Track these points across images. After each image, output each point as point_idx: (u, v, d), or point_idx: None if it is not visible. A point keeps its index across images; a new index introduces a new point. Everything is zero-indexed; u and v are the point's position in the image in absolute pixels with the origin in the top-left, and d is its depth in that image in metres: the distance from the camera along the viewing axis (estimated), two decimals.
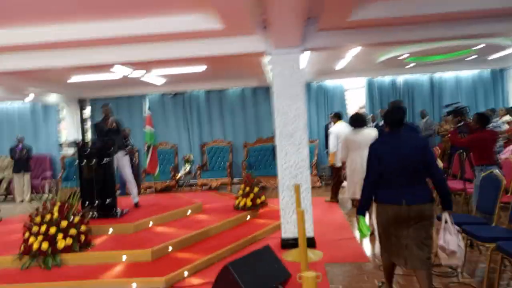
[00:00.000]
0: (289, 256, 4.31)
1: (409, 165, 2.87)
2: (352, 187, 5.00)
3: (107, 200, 5.06)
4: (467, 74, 9.78)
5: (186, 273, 3.82)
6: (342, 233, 5.20)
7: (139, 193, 9.23)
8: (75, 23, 4.21)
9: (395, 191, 2.90)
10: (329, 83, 10.09)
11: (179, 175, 9.58)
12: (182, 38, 4.60)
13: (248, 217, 5.67)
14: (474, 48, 6.92)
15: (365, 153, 3.17)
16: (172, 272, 3.71)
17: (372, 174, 2.98)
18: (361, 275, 3.77)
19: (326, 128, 8.98)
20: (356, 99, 10.42)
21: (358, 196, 3.91)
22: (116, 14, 4.05)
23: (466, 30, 4.50)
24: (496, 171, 3.97)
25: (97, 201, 5.04)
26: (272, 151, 8.76)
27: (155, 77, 8.36)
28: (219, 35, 4.47)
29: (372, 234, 4.82)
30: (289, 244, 4.61)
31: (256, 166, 9.43)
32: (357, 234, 5.15)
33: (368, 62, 8.27)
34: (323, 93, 10.11)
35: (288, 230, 4.68)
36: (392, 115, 3.03)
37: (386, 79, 9.93)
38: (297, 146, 4.62)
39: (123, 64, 6.21)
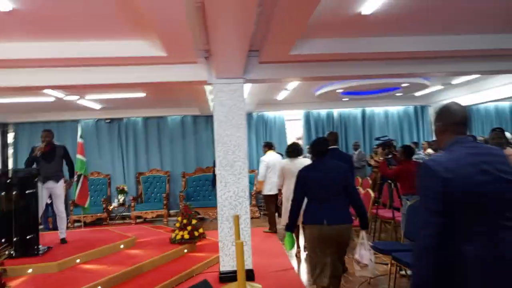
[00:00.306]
0: None
1: (330, 188, 3.26)
2: (286, 214, 5.10)
3: (28, 236, 4.57)
4: (394, 109, 10.60)
5: None
6: (280, 264, 5.17)
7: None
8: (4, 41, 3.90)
9: (318, 212, 3.24)
10: (270, 113, 10.32)
11: (111, 207, 9.01)
12: (122, 64, 4.45)
13: (185, 250, 5.44)
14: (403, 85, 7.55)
15: None
16: None
17: (297, 195, 3.37)
18: None
19: None
20: (294, 130, 10.76)
21: None
22: (47, 35, 3.83)
23: (393, 69, 4.92)
24: None
25: (15, 238, 4.53)
26: (212, 181, 8.64)
27: (90, 101, 7.96)
28: (161, 62, 4.40)
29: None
30: (228, 277, 4.48)
31: (195, 197, 9.21)
32: (295, 264, 5.19)
33: (307, 95, 8.64)
34: (264, 124, 10.30)
35: (227, 263, 4.56)
36: (316, 147, 3.49)
37: (322, 111, 10.42)
38: (237, 176, 4.59)
39: (55, 88, 5.84)
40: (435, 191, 1.68)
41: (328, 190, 3.27)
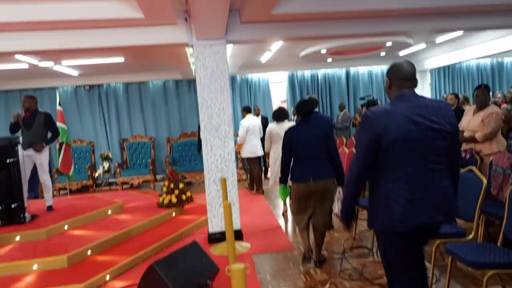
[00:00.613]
0: (216, 250, 4.28)
1: (314, 147, 3.55)
2: (274, 175, 5.43)
3: (13, 205, 4.53)
4: (378, 69, 10.58)
5: (108, 277, 3.58)
6: (268, 224, 5.31)
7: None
8: None
9: (304, 170, 3.56)
10: (254, 76, 10.17)
11: (97, 174, 8.96)
12: (97, 26, 4.25)
13: (174, 214, 5.51)
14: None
15: None
16: (92, 278, 3.45)
17: (285, 155, 3.69)
18: (287, 263, 3.88)
19: None
20: (279, 92, 10.69)
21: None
22: None
23: (378, 28, 4.84)
24: None
25: (0, 207, 4.49)
26: (198, 145, 8.64)
27: (66, 68, 7.69)
28: (138, 24, 4.22)
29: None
30: (216, 238, 4.58)
31: (181, 162, 9.22)
32: (282, 223, 5.34)
33: (291, 56, 8.51)
34: (248, 87, 10.17)
35: (215, 224, 4.65)
36: (303, 107, 3.70)
37: (307, 73, 10.32)
38: (223, 140, 4.58)
39: (28, 53, 5.58)
40: (369, 136, 2.01)
41: (312, 149, 3.56)
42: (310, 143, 3.55)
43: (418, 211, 1.96)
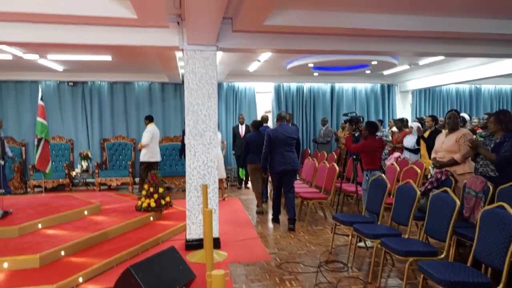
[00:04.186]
0: (193, 257, 4.25)
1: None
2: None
3: None
4: (362, 87, 10.81)
5: (80, 279, 3.50)
6: (246, 233, 5.31)
7: (25, 191, 8.28)
8: None
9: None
10: (241, 84, 10.22)
11: (74, 173, 8.78)
12: (88, 23, 4.22)
13: (152, 218, 5.45)
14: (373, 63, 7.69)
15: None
16: (64, 279, 3.37)
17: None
18: (263, 274, 3.89)
19: (234, 130, 9.15)
20: (265, 103, 10.76)
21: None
22: None
23: (364, 46, 4.99)
24: (383, 176, 4.45)
25: None
26: (180, 150, 8.59)
27: (51, 62, 7.56)
28: (130, 24, 4.22)
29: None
30: (194, 245, 4.56)
31: (161, 166, 9.13)
32: (259, 233, 5.35)
33: (278, 68, 8.61)
34: (234, 94, 10.20)
35: (194, 231, 4.62)
36: (257, 123, 6.81)
37: (293, 85, 10.45)
38: (207, 146, 4.59)
39: (14, 44, 5.48)
40: (267, 140, 5.50)
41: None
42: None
43: (282, 164, 5.35)
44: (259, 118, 8.48)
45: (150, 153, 7.64)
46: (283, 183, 5.63)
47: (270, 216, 6.19)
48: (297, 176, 6.75)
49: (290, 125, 7.04)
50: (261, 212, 6.49)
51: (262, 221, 6.10)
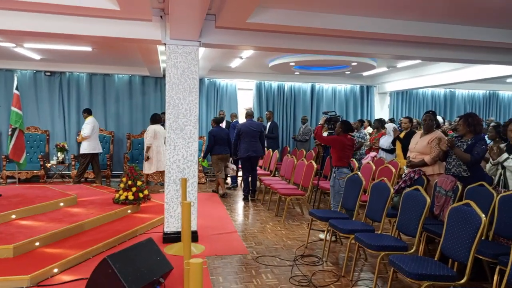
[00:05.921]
0: (171, 250, 4.27)
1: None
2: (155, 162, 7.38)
3: None
4: (341, 87, 11.01)
5: (56, 270, 3.47)
6: (223, 227, 5.36)
7: None
8: None
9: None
10: (222, 81, 10.25)
11: (50, 164, 8.60)
12: (69, 13, 4.16)
13: (129, 211, 5.42)
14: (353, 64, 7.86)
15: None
16: (38, 270, 3.34)
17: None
18: (240, 266, 3.95)
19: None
20: (246, 100, 10.81)
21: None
22: None
23: (345, 47, 5.11)
24: (358, 173, 4.58)
25: None
26: None
27: (28, 50, 7.37)
28: (113, 16, 4.18)
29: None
30: (171, 238, 4.58)
31: (140, 160, 9.04)
32: (237, 228, 5.41)
33: (260, 65, 8.67)
34: (215, 90, 10.22)
35: (171, 224, 4.64)
36: (218, 119, 7.71)
37: (274, 83, 10.55)
38: (187, 140, 4.61)
39: None
40: (237, 132, 7.23)
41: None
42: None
43: (248, 151, 7.05)
44: (241, 114, 9.21)
45: (92, 145, 7.71)
46: (250, 166, 7.29)
47: (237, 198, 7.49)
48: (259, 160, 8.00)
49: (257, 120, 8.60)
50: (225, 195, 7.50)
51: (229, 202, 6.42)
